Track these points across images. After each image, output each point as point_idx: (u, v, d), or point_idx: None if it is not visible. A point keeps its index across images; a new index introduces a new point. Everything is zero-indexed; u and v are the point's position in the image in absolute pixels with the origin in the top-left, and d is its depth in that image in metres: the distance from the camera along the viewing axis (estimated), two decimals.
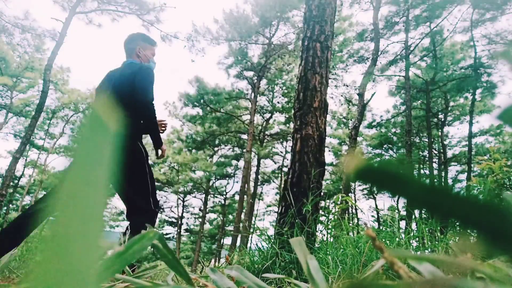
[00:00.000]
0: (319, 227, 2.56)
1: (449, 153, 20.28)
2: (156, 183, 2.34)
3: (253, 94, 17.94)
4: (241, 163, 22.41)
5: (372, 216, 22.31)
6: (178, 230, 25.22)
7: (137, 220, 2.10)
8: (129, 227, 2.08)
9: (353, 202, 2.53)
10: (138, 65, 2.23)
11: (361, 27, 16.00)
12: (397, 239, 1.97)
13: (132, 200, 2.12)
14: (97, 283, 0.13)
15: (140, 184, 2.13)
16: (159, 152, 2.28)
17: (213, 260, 23.14)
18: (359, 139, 20.41)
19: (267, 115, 21.21)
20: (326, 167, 3.07)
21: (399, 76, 16.86)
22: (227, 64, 18.36)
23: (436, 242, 1.79)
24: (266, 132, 21.58)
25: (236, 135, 21.10)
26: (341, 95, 17.87)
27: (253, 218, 17.76)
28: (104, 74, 2.39)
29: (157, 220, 2.23)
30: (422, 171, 18.91)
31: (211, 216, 27.99)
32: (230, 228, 24.10)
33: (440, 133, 19.38)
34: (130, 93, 2.13)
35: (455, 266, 0.23)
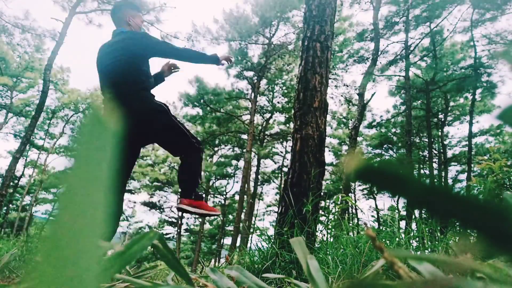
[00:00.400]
0: (319, 227, 2.56)
1: (449, 153, 20.29)
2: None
3: (253, 94, 17.94)
4: (241, 163, 22.41)
5: (372, 216, 22.33)
6: (178, 230, 25.21)
7: (190, 154, 2.19)
8: (182, 162, 2.20)
9: (353, 202, 2.53)
10: (137, 32, 2.25)
11: (361, 27, 16.00)
12: (397, 239, 1.97)
13: (176, 141, 2.21)
14: (97, 283, 0.13)
15: (175, 129, 2.19)
16: (225, 62, 2.46)
17: (213, 260, 23.14)
18: (359, 139, 20.41)
19: (267, 115, 21.22)
20: (326, 167, 3.07)
21: (399, 76, 16.87)
22: (227, 64, 18.33)
23: (436, 242, 1.79)
24: (266, 132, 21.59)
25: (236, 135, 21.10)
26: (341, 95, 17.88)
27: (253, 218, 17.76)
28: (99, 50, 2.30)
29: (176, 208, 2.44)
30: (422, 171, 18.91)
31: None
32: (230, 228, 24.11)
33: (440, 133, 19.38)
34: (138, 62, 2.16)
35: (455, 266, 0.23)
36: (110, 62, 2.15)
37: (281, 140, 22.08)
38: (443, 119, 19.03)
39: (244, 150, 18.02)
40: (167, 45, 2.25)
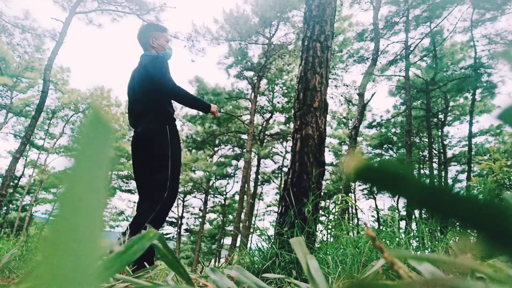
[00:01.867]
0: (319, 227, 2.56)
1: (449, 153, 20.29)
2: None
3: (253, 94, 17.94)
4: (241, 163, 22.41)
5: (372, 216, 22.33)
6: (178, 230, 25.21)
7: (144, 211, 2.03)
8: (133, 219, 2.03)
9: (353, 202, 2.53)
10: (148, 58, 2.27)
11: (361, 27, 16.00)
12: (397, 239, 1.96)
13: (146, 185, 2.13)
14: (97, 283, 0.13)
15: (159, 168, 2.11)
16: (212, 115, 2.45)
17: (213, 260, 23.14)
18: (359, 139, 20.41)
19: (267, 115, 21.22)
20: (326, 167, 3.07)
21: (399, 76, 16.86)
22: (227, 64, 18.37)
23: (436, 242, 1.79)
24: (266, 132, 21.58)
25: (236, 135, 21.10)
26: (341, 95, 17.88)
27: (253, 218, 17.76)
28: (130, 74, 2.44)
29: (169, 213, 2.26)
30: (422, 171, 18.91)
31: (211, 216, 28.00)
32: (230, 228, 24.10)
33: (440, 133, 19.37)
34: (148, 87, 2.19)
35: (455, 266, 0.23)
36: (133, 88, 2.27)
37: (281, 140, 22.08)
38: (443, 119, 19.02)
39: (244, 150, 18.02)
40: (163, 82, 2.18)
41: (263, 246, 2.43)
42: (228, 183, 25.80)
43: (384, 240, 1.92)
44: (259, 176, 21.76)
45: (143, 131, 2.15)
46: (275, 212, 25.66)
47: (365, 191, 24.37)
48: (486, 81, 14.23)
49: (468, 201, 0.17)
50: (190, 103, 2.31)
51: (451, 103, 18.92)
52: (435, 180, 0.18)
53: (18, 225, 22.89)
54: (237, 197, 20.73)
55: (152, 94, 2.21)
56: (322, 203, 2.90)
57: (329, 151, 24.12)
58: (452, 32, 14.30)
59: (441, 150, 19.26)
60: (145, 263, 1.41)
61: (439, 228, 1.84)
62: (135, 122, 2.27)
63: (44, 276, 0.12)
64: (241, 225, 15.36)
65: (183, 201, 25.70)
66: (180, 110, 20.75)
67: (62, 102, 23.29)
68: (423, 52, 17.07)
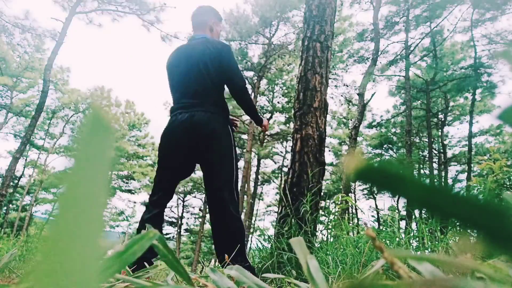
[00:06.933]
0: (319, 227, 2.56)
1: (449, 153, 20.29)
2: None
3: (253, 94, 17.94)
4: (241, 163, 22.41)
5: (372, 216, 22.34)
6: (178, 230, 25.21)
7: (227, 208, 1.87)
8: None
9: (353, 202, 2.53)
10: (221, 44, 2.07)
11: (361, 27, 16.00)
12: (397, 239, 1.96)
13: (224, 175, 1.93)
14: (97, 283, 0.13)
15: (231, 162, 1.97)
16: (264, 127, 2.27)
17: (213, 260, 23.14)
18: (359, 139, 20.41)
19: (267, 115, 21.21)
20: (326, 167, 3.07)
21: (399, 76, 16.86)
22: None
23: (436, 242, 1.79)
24: (266, 132, 21.59)
25: (236, 135, 21.10)
26: (341, 95, 17.89)
27: (253, 218, 17.77)
28: (176, 52, 2.15)
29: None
30: (422, 171, 18.91)
31: None
32: None
33: (440, 133, 19.38)
34: (220, 74, 2.01)
35: (455, 266, 0.23)
36: (195, 71, 1.99)
37: (281, 140, 22.08)
38: (443, 119, 19.03)
39: (244, 150, 18.02)
40: (242, 78, 2.03)
41: (263, 246, 2.43)
42: None
43: (384, 240, 1.92)
44: (259, 176, 21.77)
45: (212, 129, 1.93)
46: (275, 212, 25.66)
47: (365, 191, 24.37)
48: (486, 81, 14.23)
49: (468, 201, 0.17)
50: (251, 108, 2.12)
51: (451, 103, 18.93)
52: (435, 180, 0.18)
53: (18, 225, 22.89)
54: None
55: (222, 87, 2.03)
56: (322, 203, 2.90)
57: (329, 151, 24.14)
58: (452, 32, 14.31)
59: (441, 150, 19.27)
60: (145, 263, 1.40)
61: (439, 228, 1.84)
62: (189, 105, 1.96)
63: (44, 276, 0.12)
64: None
65: (183, 201, 25.70)
66: None
67: (62, 102, 23.30)
68: (423, 52, 17.07)
